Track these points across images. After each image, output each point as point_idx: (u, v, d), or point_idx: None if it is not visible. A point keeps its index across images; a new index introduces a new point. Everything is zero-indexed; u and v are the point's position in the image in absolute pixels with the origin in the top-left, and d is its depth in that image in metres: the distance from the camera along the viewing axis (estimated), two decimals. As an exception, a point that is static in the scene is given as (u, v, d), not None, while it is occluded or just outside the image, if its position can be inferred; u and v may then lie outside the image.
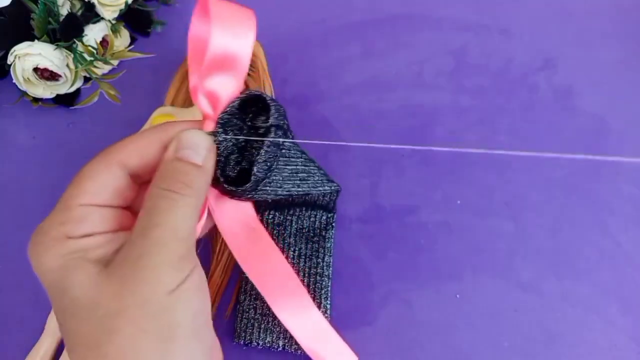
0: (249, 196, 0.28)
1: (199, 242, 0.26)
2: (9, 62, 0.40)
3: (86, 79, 0.43)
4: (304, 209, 0.37)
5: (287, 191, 0.30)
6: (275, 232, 0.37)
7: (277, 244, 0.31)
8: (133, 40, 0.45)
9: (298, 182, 0.31)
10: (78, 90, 0.43)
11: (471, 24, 0.45)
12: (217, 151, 0.26)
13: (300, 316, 0.32)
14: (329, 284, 0.36)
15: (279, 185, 0.29)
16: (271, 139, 0.27)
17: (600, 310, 0.36)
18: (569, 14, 0.46)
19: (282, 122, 0.27)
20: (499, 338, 0.35)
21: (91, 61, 0.41)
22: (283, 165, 0.29)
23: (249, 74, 0.41)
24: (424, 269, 0.37)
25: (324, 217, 0.37)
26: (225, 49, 0.26)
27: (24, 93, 0.42)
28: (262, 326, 0.34)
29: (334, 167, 0.40)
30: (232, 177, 0.27)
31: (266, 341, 0.34)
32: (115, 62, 0.44)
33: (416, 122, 0.42)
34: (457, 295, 0.36)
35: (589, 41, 0.44)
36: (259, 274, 0.31)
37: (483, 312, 0.36)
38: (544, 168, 0.40)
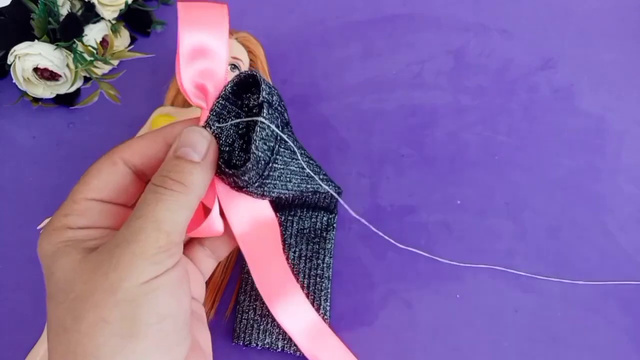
0: (258, 188, 0.27)
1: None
2: (9, 62, 0.40)
3: (86, 79, 0.43)
4: (305, 210, 0.37)
5: (297, 186, 0.29)
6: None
7: None
8: (133, 40, 0.45)
9: (306, 177, 0.30)
10: (78, 90, 0.43)
11: (471, 24, 0.45)
12: (218, 142, 0.26)
13: (298, 318, 0.32)
14: (329, 286, 0.36)
15: (288, 178, 0.28)
16: (265, 116, 0.25)
17: (600, 310, 0.36)
18: (569, 14, 0.46)
19: (273, 99, 0.26)
20: (499, 338, 0.35)
21: (91, 61, 0.41)
22: (289, 158, 0.28)
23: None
24: (424, 269, 0.37)
25: (325, 219, 0.37)
26: (196, 40, 0.27)
27: (24, 93, 0.42)
28: (262, 327, 0.34)
29: (334, 166, 0.40)
30: (237, 165, 0.26)
31: (265, 342, 0.34)
32: (115, 62, 0.44)
33: (416, 122, 0.42)
34: (457, 295, 0.36)
35: (589, 41, 0.44)
36: (262, 275, 0.31)
37: (483, 312, 0.36)
38: (544, 168, 0.40)
